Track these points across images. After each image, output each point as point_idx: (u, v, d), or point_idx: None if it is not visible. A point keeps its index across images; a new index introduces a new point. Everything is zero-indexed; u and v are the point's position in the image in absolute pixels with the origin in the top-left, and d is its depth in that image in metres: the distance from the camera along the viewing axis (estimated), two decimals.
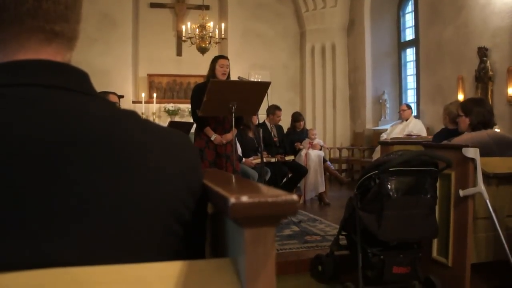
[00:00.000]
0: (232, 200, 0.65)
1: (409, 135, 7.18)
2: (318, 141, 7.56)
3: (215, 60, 4.95)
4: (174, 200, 0.78)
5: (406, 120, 7.94)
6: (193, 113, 4.91)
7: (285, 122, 7.84)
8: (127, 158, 0.73)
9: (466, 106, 3.73)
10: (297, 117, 7.74)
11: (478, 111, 3.56)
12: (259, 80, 8.81)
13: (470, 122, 3.61)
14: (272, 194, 0.67)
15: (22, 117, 0.69)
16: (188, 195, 0.81)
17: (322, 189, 7.13)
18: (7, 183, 0.65)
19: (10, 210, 0.65)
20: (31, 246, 0.65)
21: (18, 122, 0.69)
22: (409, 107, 8.09)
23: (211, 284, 0.69)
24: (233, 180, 1.01)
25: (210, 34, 8.89)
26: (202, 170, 0.88)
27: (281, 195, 0.67)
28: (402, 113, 8.03)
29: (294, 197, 0.67)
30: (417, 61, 9.23)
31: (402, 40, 10.08)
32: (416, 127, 7.73)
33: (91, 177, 0.69)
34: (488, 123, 3.54)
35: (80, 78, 0.79)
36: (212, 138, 4.82)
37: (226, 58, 5.00)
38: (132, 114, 0.81)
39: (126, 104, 9.40)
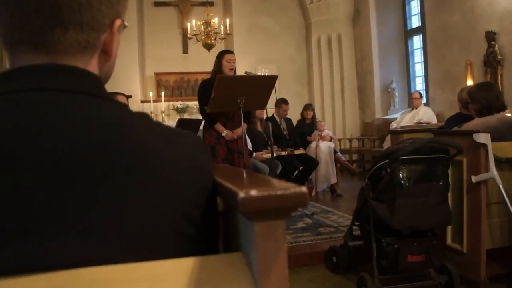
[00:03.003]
0: (242, 194, 0.65)
1: (419, 123, 7.14)
2: (327, 132, 7.56)
3: (220, 55, 4.89)
4: (185, 203, 0.78)
5: (416, 108, 7.89)
6: (201, 110, 4.89)
7: (294, 115, 7.83)
8: (139, 162, 0.73)
9: (471, 92, 3.71)
10: (306, 107, 7.76)
11: (482, 96, 3.53)
12: (266, 74, 8.79)
13: (475, 108, 3.59)
14: (281, 187, 0.67)
15: (37, 122, 0.70)
16: (200, 197, 0.81)
17: (333, 180, 7.13)
18: (19, 187, 0.66)
19: (23, 213, 0.65)
20: (43, 249, 0.66)
21: (33, 128, 0.69)
22: (421, 95, 8.04)
23: (224, 279, 0.69)
24: (242, 175, 1.01)
25: (215, 30, 8.88)
26: (214, 166, 0.88)
27: (290, 188, 0.67)
28: (414, 101, 7.96)
29: (303, 189, 0.67)
30: (425, 48, 9.16)
31: (408, 28, 10.00)
32: (426, 115, 7.69)
33: (102, 181, 0.70)
34: (493, 108, 3.50)
35: (91, 81, 0.79)
36: (224, 134, 4.80)
37: (232, 52, 4.95)
38: (144, 118, 0.81)
39: (134, 103, 9.43)
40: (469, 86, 5.93)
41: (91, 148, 0.70)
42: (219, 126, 4.82)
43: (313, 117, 7.74)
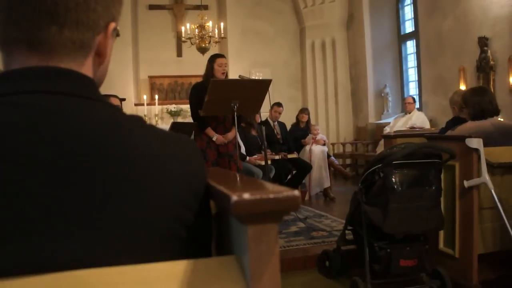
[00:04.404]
0: (234, 197, 0.65)
1: (412, 127, 7.17)
2: (321, 136, 7.57)
3: (212, 59, 4.89)
4: (178, 205, 0.78)
5: (409, 113, 7.92)
6: (193, 113, 4.89)
7: (288, 119, 7.84)
8: (132, 165, 0.73)
9: (465, 96, 3.72)
10: (302, 110, 7.80)
11: (475, 101, 3.54)
12: (260, 78, 8.80)
13: (468, 112, 3.60)
14: (273, 191, 0.68)
15: (32, 125, 0.70)
16: (193, 200, 0.81)
17: (327, 184, 7.14)
18: (16, 188, 0.66)
19: (18, 215, 0.66)
20: (38, 250, 0.66)
21: (27, 129, 0.69)
22: (414, 100, 8.07)
23: (216, 282, 0.69)
24: (235, 178, 1.01)
25: (210, 33, 8.89)
26: (206, 170, 0.89)
27: (283, 191, 0.67)
28: (407, 106, 8.00)
29: (296, 192, 0.67)
30: (418, 53, 9.20)
31: (402, 33, 10.04)
32: (419, 120, 7.72)
33: (95, 183, 0.70)
34: (486, 112, 3.51)
35: (85, 84, 0.79)
36: (214, 139, 4.80)
37: (223, 56, 4.96)
38: (138, 120, 0.81)
39: (128, 106, 9.40)
40: (459, 90, 5.95)
41: (85, 150, 0.70)
42: (209, 131, 4.82)
43: (308, 121, 7.76)
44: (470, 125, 3.51)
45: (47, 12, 0.74)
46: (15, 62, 0.77)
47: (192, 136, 5.08)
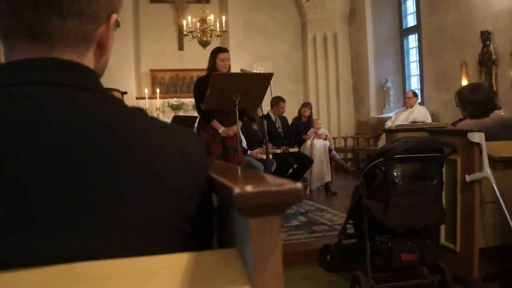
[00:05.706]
0: (237, 190, 0.64)
1: (413, 122, 7.15)
2: (323, 130, 7.56)
3: (215, 54, 4.88)
4: (180, 198, 0.78)
5: (411, 107, 7.91)
6: (197, 107, 4.89)
7: (290, 113, 7.83)
8: (133, 157, 0.73)
9: (461, 96, 3.65)
10: (304, 104, 7.81)
11: (473, 101, 3.52)
12: (262, 72, 8.79)
13: (468, 113, 3.58)
14: (276, 183, 0.67)
15: (34, 116, 0.69)
16: (195, 192, 0.81)
17: (328, 178, 7.14)
18: (14, 181, 0.65)
19: (18, 208, 0.65)
20: (37, 242, 0.66)
21: (30, 121, 0.69)
22: (415, 94, 8.01)
23: (218, 275, 0.69)
24: (237, 171, 1.01)
25: (211, 27, 8.87)
26: (208, 163, 0.88)
27: (286, 184, 0.67)
28: (407, 101, 7.97)
29: (298, 185, 0.67)
30: (420, 47, 9.18)
31: (404, 27, 10.01)
32: (420, 114, 7.70)
33: (97, 175, 0.69)
34: (487, 110, 3.50)
35: (87, 76, 0.79)
36: (220, 131, 4.81)
37: (225, 51, 4.95)
38: (140, 112, 0.81)
39: (129, 100, 9.40)
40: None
41: (87, 142, 0.70)
42: (215, 123, 4.83)
43: (310, 115, 7.76)
44: (471, 121, 3.50)
45: (50, 3, 0.74)
46: (16, 54, 0.77)
47: (196, 130, 5.08)
